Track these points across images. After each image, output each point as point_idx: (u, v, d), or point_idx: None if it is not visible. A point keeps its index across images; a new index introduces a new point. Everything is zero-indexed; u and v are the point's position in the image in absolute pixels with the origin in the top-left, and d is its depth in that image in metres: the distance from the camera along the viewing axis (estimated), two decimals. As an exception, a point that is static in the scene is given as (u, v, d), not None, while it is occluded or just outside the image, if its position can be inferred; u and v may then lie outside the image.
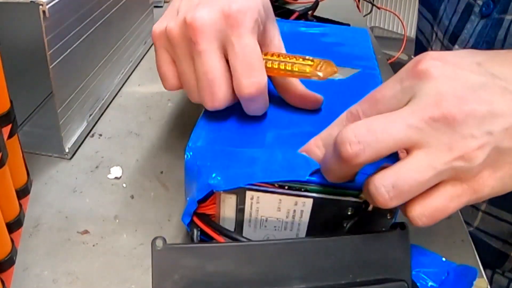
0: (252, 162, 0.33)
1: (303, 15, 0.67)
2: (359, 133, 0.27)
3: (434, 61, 0.29)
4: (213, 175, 0.32)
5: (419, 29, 0.63)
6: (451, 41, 0.51)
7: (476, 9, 0.48)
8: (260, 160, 0.33)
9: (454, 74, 0.29)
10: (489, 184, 0.28)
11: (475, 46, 0.49)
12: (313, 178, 0.32)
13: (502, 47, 0.46)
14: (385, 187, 0.27)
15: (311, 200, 0.32)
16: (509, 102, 0.28)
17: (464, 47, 0.50)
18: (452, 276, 0.36)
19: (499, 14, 0.47)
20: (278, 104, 0.39)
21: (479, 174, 0.28)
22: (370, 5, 0.81)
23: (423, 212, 0.28)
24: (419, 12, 0.62)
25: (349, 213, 0.32)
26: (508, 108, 0.28)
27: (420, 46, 0.63)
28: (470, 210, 0.54)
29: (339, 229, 0.33)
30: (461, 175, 0.28)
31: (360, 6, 0.87)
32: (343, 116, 0.32)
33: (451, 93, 0.28)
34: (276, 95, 0.40)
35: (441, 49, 0.53)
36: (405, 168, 0.27)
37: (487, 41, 0.47)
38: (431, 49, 0.58)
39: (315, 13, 0.69)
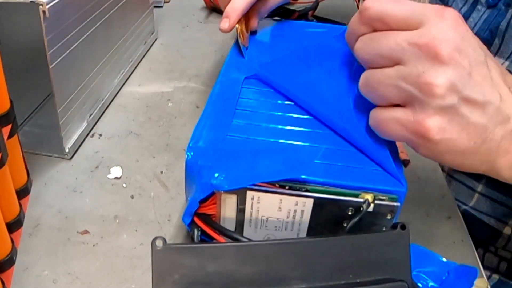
0: (254, 162, 0.33)
1: (303, 15, 0.66)
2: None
3: (457, 16, 0.31)
4: (216, 175, 0.32)
5: None
6: None
7: (483, 0, 0.53)
8: (261, 160, 0.33)
9: (465, 36, 0.30)
10: (436, 134, 0.30)
11: (478, 33, 0.52)
12: (314, 178, 0.32)
13: (503, 37, 0.50)
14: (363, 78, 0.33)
15: (311, 200, 0.32)
16: (491, 89, 0.30)
17: None
18: (452, 276, 0.36)
19: (505, 6, 0.50)
20: (277, 103, 0.39)
21: (431, 116, 0.29)
22: (370, 5, 0.81)
23: (373, 115, 0.32)
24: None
25: (349, 213, 0.32)
26: (489, 91, 0.30)
27: None
28: (466, 191, 0.56)
29: (339, 229, 0.33)
30: (416, 105, 0.30)
31: (360, 6, 0.87)
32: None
33: (453, 39, 0.29)
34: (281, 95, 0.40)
35: None
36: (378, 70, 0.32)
37: (490, 29, 0.50)
38: None
39: (315, 13, 0.69)
